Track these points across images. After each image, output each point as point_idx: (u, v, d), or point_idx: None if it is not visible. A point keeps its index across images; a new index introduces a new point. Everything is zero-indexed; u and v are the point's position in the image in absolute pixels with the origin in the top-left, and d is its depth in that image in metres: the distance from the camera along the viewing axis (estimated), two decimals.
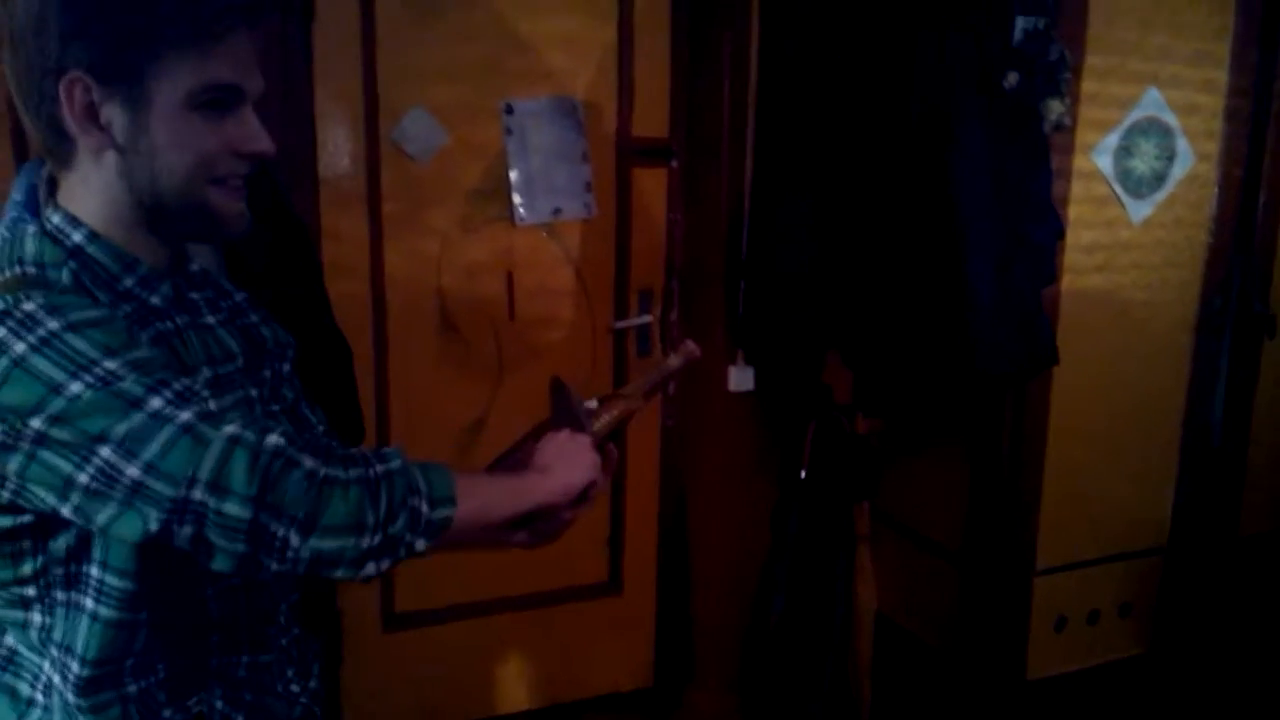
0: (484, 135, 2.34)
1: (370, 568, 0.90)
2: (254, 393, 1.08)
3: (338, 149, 2.23)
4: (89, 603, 0.96)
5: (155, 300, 1.01)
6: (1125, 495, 2.54)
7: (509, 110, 2.34)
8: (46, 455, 0.85)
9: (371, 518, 0.89)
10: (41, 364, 0.86)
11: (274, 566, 0.87)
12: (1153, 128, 2.34)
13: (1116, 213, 2.35)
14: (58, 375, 0.85)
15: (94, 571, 0.96)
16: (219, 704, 1.06)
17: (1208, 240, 2.48)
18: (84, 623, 0.97)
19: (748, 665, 2.69)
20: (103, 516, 0.86)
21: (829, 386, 2.53)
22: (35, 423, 0.85)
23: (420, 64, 2.26)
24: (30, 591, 0.97)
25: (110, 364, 0.87)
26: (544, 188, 2.40)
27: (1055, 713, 2.51)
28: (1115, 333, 2.42)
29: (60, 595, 0.97)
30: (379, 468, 0.91)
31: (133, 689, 1.00)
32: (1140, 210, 2.38)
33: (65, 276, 0.95)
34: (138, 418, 0.85)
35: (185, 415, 0.86)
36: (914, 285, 2.15)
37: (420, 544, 0.93)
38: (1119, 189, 2.34)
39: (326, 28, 2.16)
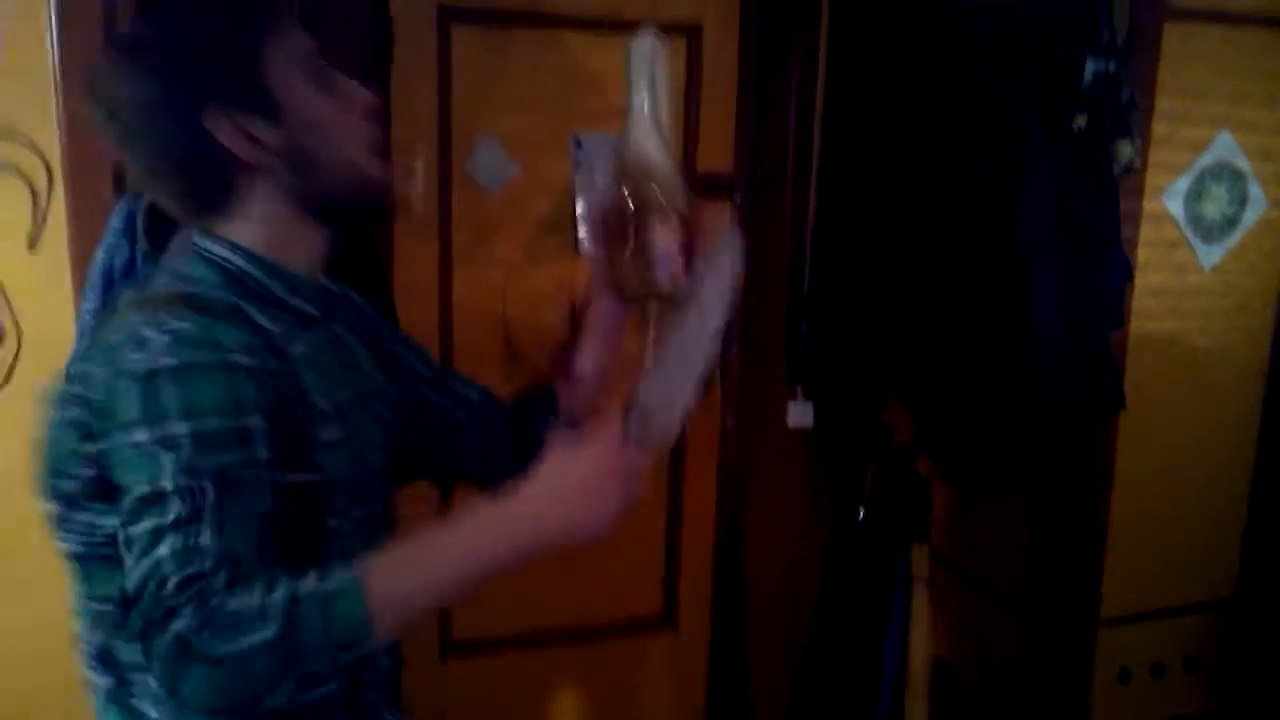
0: (552, 167, 2.37)
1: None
2: (380, 410, 1.17)
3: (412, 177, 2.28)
4: None
5: (311, 310, 1.08)
6: (1192, 546, 2.49)
7: (578, 144, 2.37)
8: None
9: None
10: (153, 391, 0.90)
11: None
12: (1224, 172, 2.32)
13: (1186, 257, 2.33)
14: (135, 411, 0.90)
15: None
16: None
17: None
18: None
19: (799, 708, 2.65)
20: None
21: (889, 427, 2.51)
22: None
23: (493, 97, 2.30)
24: None
25: (179, 426, 0.89)
26: None
27: None
28: (1183, 378, 2.38)
29: None
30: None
31: None
32: (1211, 255, 2.36)
33: (225, 296, 1.00)
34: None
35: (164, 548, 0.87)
36: (977, 328, 2.14)
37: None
38: (1189, 233, 2.32)
39: (405, 61, 2.20)
